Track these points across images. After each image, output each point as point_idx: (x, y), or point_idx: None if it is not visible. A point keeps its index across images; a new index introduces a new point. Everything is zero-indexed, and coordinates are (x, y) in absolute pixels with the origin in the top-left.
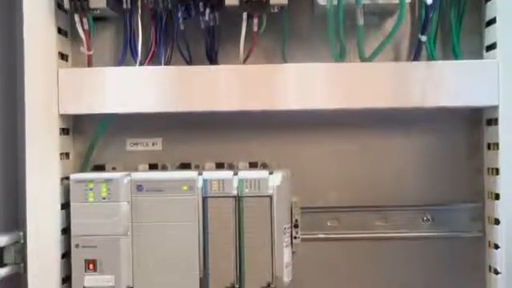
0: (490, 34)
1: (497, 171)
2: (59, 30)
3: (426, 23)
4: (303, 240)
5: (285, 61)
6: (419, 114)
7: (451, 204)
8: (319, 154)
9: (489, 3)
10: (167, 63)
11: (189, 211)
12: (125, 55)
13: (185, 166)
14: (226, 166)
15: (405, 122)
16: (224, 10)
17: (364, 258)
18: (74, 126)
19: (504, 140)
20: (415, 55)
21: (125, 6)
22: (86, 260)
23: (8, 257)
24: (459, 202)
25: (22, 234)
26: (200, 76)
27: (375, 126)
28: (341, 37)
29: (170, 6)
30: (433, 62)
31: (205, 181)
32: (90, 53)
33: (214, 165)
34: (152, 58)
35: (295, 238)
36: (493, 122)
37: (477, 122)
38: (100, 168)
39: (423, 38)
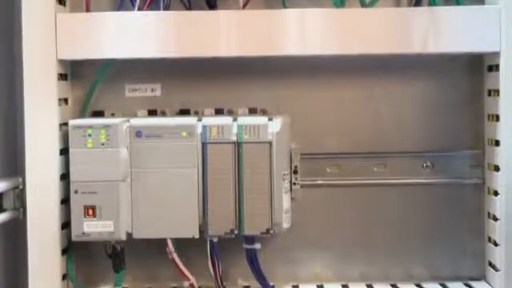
0: None
1: (497, 118)
2: None
3: None
4: (302, 186)
5: (285, 6)
6: (420, 60)
7: (451, 151)
8: (319, 101)
9: None
10: (166, 8)
11: (188, 157)
12: (123, 0)
13: (184, 112)
14: (225, 112)
15: (405, 68)
16: None
17: (363, 204)
18: (73, 71)
19: (505, 86)
20: (416, 1)
21: None
22: (85, 206)
23: (7, 202)
24: (459, 148)
25: (21, 179)
26: (199, 21)
27: (376, 72)
28: None
29: None
30: (434, 8)
31: (204, 127)
32: None
33: (213, 111)
34: (151, 3)
35: (294, 184)
36: (494, 68)
37: (478, 68)
38: (99, 114)
39: None
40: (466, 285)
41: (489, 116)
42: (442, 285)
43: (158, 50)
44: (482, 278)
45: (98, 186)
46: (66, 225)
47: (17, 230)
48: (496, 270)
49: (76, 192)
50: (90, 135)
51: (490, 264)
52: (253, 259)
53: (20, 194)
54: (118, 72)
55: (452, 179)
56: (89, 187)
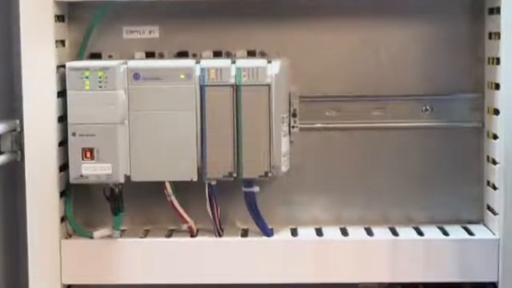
0: None
1: (497, 61)
2: None
3: None
4: (301, 129)
5: None
6: (420, 2)
7: (451, 94)
8: (319, 43)
9: None
10: None
11: (186, 100)
12: None
13: (182, 55)
14: (223, 54)
15: (405, 11)
16: None
17: (362, 147)
18: (70, 13)
19: (506, 29)
20: None
21: None
22: (83, 148)
23: (5, 145)
24: (459, 92)
25: (18, 122)
26: None
27: (375, 15)
28: None
29: None
30: None
31: (202, 69)
32: None
33: (211, 53)
34: None
35: (293, 127)
36: (495, 10)
37: (478, 10)
38: (96, 56)
39: None
40: (464, 228)
41: (489, 59)
42: (440, 228)
43: None
44: (480, 221)
45: (95, 128)
46: (64, 167)
47: (15, 172)
48: (494, 213)
49: (74, 134)
50: (87, 77)
51: (489, 207)
52: (251, 202)
53: (18, 137)
54: (116, 14)
55: (451, 123)
56: (87, 130)
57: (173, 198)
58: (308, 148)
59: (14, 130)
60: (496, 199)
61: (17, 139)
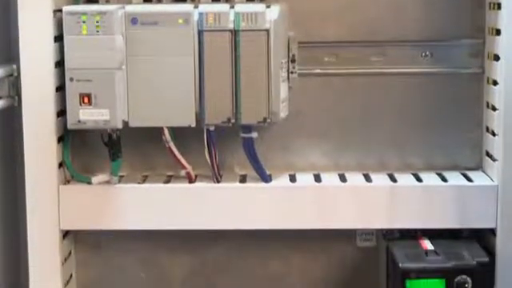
0: None
1: (498, 6)
2: None
3: None
4: (300, 75)
5: None
6: None
7: (451, 39)
8: None
9: None
10: None
11: (184, 45)
12: None
13: None
14: None
15: None
16: None
17: (361, 93)
18: None
19: None
20: None
21: None
22: (80, 94)
23: (2, 90)
24: (459, 37)
25: (15, 66)
26: None
27: None
28: None
29: None
30: None
31: (200, 14)
32: None
33: None
34: None
35: (292, 73)
36: None
37: None
38: (93, 0)
39: None
40: (463, 174)
41: (490, 4)
42: (438, 174)
43: None
44: (478, 167)
45: (93, 73)
46: (61, 113)
47: (13, 117)
48: (493, 159)
49: (71, 80)
50: (84, 22)
51: (488, 154)
52: (249, 148)
53: (15, 82)
54: None
55: (451, 68)
56: (84, 75)
57: (171, 144)
58: (307, 94)
59: (11, 75)
60: (495, 145)
61: (14, 84)
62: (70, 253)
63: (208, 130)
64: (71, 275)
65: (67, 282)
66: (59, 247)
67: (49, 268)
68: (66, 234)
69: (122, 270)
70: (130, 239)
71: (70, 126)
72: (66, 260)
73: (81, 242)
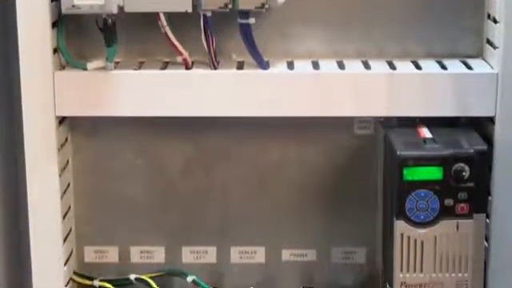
0: None
1: None
2: None
3: None
4: None
5: None
6: None
7: None
8: None
9: None
10: None
11: None
12: None
13: None
14: None
15: None
16: None
17: None
18: None
19: None
20: None
21: None
22: None
23: None
24: None
25: None
26: None
27: None
28: None
29: None
30: None
31: None
32: None
33: None
34: None
35: None
36: None
37: None
38: None
39: None
40: (463, 62)
41: None
42: (438, 62)
43: None
44: (479, 55)
45: None
46: None
47: (5, 6)
48: (494, 47)
49: None
50: None
51: (488, 41)
52: (247, 34)
53: None
54: None
55: None
56: None
57: (167, 30)
58: None
59: None
60: (496, 33)
61: None
62: (66, 139)
63: (205, 16)
64: (67, 161)
65: (63, 168)
66: (55, 133)
67: (45, 154)
68: (61, 120)
69: (119, 157)
70: (126, 126)
71: (64, 10)
72: (62, 146)
73: (77, 129)
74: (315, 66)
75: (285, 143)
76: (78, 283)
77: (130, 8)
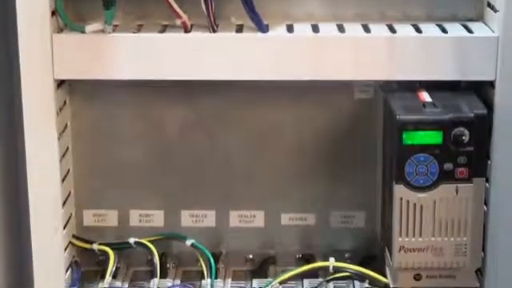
0: None
1: None
2: None
3: None
4: None
5: None
6: None
7: None
8: None
9: None
10: None
11: None
12: None
13: None
14: None
15: None
16: None
17: None
18: None
19: None
20: None
21: None
22: None
23: None
24: None
25: None
26: None
27: None
28: None
29: None
30: None
31: None
32: None
33: None
34: None
35: None
36: None
37: None
38: None
39: None
40: (464, 25)
41: None
42: (438, 25)
43: None
44: (479, 18)
45: None
46: None
47: None
48: (495, 10)
49: None
50: None
51: (489, 4)
52: None
53: None
54: None
55: None
56: None
57: None
58: None
59: None
60: None
61: None
62: (64, 102)
63: None
64: (66, 125)
65: (62, 132)
66: (54, 96)
67: (44, 117)
68: (60, 83)
69: (118, 121)
70: (125, 89)
71: None
72: (60, 110)
73: (75, 92)
74: (315, 29)
75: (285, 107)
76: (78, 247)
77: None
